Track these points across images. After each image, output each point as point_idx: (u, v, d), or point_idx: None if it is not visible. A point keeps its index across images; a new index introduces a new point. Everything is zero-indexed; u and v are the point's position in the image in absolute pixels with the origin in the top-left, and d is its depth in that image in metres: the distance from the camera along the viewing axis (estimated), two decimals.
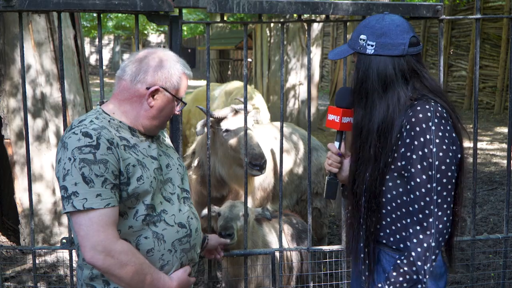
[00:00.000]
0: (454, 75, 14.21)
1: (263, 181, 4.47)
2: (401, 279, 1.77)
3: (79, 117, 1.95)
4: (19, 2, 2.54)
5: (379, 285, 1.81)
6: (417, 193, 1.76)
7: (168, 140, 2.23)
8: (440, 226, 1.75)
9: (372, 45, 1.85)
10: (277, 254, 3.08)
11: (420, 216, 1.76)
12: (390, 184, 1.84)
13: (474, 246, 3.08)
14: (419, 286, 1.78)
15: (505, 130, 10.65)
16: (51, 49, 5.02)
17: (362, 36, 1.88)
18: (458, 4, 13.56)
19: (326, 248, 3.13)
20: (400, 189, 1.83)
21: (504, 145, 9.32)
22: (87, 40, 29.78)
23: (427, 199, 1.74)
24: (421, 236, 1.75)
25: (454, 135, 1.79)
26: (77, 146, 1.79)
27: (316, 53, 9.53)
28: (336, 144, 2.06)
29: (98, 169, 1.78)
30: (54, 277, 4.53)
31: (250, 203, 4.31)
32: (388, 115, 1.81)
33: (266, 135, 4.62)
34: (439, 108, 1.78)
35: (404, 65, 1.85)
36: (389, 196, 1.85)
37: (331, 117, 2.05)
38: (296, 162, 4.61)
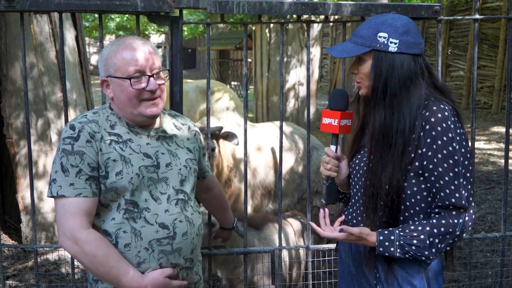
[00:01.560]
0: (452, 75, 14.20)
1: (264, 180, 4.47)
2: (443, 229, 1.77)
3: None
4: (20, 2, 2.53)
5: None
6: (447, 190, 1.76)
7: (186, 142, 2.14)
8: (471, 211, 1.78)
9: (395, 43, 1.81)
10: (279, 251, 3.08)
11: (451, 206, 1.78)
12: (406, 183, 1.84)
13: (472, 245, 3.08)
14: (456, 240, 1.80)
15: (502, 129, 10.65)
16: (52, 49, 5.02)
17: (382, 34, 1.82)
18: (457, 4, 13.56)
19: (325, 246, 3.13)
20: (415, 188, 1.84)
21: (502, 145, 9.31)
22: (88, 40, 29.75)
23: (457, 195, 1.76)
24: (454, 213, 1.78)
25: (464, 132, 1.82)
26: (62, 137, 1.91)
27: (315, 53, 9.53)
28: (333, 147, 2.02)
29: (74, 159, 1.86)
30: (56, 275, 4.53)
31: (249, 205, 4.31)
32: (414, 114, 1.79)
33: (267, 134, 4.63)
34: (451, 108, 1.81)
35: (422, 64, 1.86)
36: (403, 196, 1.85)
37: (326, 120, 2.00)
38: (297, 161, 4.62)
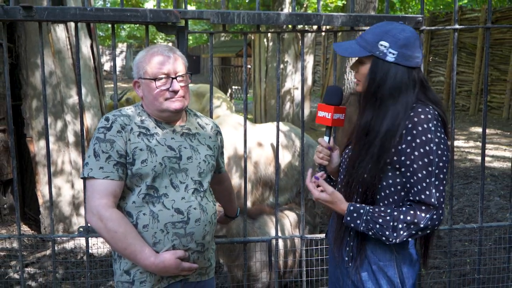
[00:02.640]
0: (433, 81, 14.20)
1: (264, 175, 4.48)
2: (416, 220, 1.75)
3: None
4: (38, 12, 2.52)
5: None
6: (419, 186, 1.75)
7: (208, 140, 2.19)
8: (440, 211, 1.76)
9: (393, 54, 1.80)
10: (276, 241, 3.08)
11: (421, 198, 1.76)
12: (382, 175, 1.83)
13: (451, 235, 3.07)
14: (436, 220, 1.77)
15: (479, 130, 10.66)
16: (69, 56, 5.01)
17: (384, 43, 1.81)
18: (438, 16, 13.56)
19: (318, 236, 3.13)
20: (390, 181, 1.82)
21: (478, 144, 9.32)
22: (102, 48, 29.74)
23: (427, 192, 1.74)
24: (423, 207, 1.76)
25: (445, 137, 1.80)
26: (98, 127, 2.00)
27: (309, 60, 9.51)
28: (326, 138, 2.03)
29: (105, 146, 1.94)
30: (72, 262, 4.52)
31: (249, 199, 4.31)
32: (397, 121, 1.78)
33: (267, 132, 4.65)
34: (436, 113, 1.79)
35: (415, 76, 1.84)
36: (379, 186, 1.84)
37: (321, 114, 2.00)
38: (295, 158, 4.62)
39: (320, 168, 2.03)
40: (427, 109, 1.78)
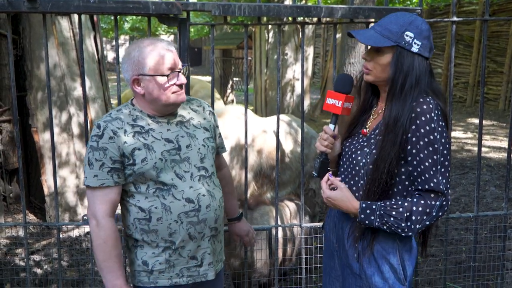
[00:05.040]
0: None
1: (266, 168, 4.46)
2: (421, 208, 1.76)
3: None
4: (42, 4, 2.51)
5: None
6: (427, 175, 1.76)
7: (203, 122, 2.18)
8: (448, 197, 1.77)
9: (418, 45, 1.80)
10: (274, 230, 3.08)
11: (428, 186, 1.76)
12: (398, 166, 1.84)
13: (448, 224, 3.08)
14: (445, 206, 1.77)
15: (476, 121, 10.64)
16: (73, 48, 4.99)
17: (409, 33, 1.80)
18: (436, 8, 13.48)
19: (316, 224, 3.14)
20: (395, 170, 1.82)
21: (475, 134, 9.31)
22: (105, 40, 29.64)
23: (435, 180, 1.75)
24: (432, 195, 1.76)
25: (445, 126, 1.80)
26: (91, 135, 1.99)
27: (309, 52, 9.47)
28: (331, 126, 1.99)
29: (98, 155, 1.95)
30: (77, 250, 4.54)
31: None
32: (411, 109, 1.78)
33: (270, 124, 4.62)
34: (436, 103, 1.79)
35: (430, 67, 1.86)
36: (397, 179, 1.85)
37: (330, 101, 1.96)
38: (298, 152, 4.60)
39: (321, 156, 2.01)
40: (428, 100, 1.78)
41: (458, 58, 12.90)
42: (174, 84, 2.00)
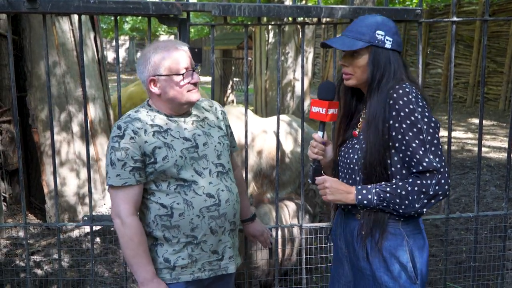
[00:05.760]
0: (431, 73, 14.15)
1: (265, 168, 4.46)
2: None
3: None
4: (42, 4, 2.51)
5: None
6: (417, 156, 1.77)
7: (216, 121, 2.24)
8: (446, 175, 1.77)
9: (390, 41, 1.87)
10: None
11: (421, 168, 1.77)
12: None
13: (448, 224, 3.08)
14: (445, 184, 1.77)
15: (476, 121, 10.64)
16: (73, 48, 4.99)
17: (380, 32, 1.87)
18: (436, 8, 13.48)
19: (317, 225, 3.13)
20: (393, 159, 1.84)
21: (475, 135, 9.31)
22: (105, 40, 29.65)
23: (426, 159, 1.76)
24: (427, 175, 1.77)
25: (427, 105, 1.83)
26: (111, 136, 2.03)
27: (309, 52, 9.47)
28: (320, 133, 2.05)
29: (120, 155, 1.98)
30: (77, 250, 4.54)
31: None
32: (388, 96, 1.82)
33: (270, 125, 4.62)
34: (412, 87, 1.83)
35: (402, 61, 1.92)
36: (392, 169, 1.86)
37: (315, 109, 2.01)
38: (297, 150, 4.60)
39: (314, 163, 2.04)
40: (404, 85, 1.82)
41: (458, 58, 12.89)
42: (189, 82, 2.05)
